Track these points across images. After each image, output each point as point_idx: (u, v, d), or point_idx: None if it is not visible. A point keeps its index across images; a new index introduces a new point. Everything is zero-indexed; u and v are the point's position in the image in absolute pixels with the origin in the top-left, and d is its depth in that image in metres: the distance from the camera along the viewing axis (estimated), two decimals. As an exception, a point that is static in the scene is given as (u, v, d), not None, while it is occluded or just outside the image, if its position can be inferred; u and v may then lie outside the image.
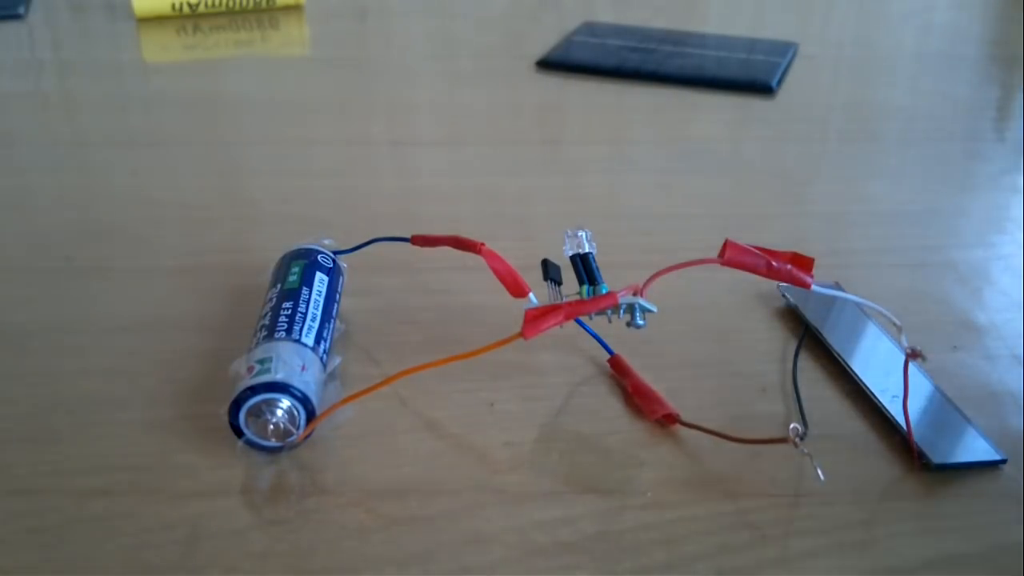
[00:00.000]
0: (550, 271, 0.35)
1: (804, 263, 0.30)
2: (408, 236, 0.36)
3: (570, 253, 0.34)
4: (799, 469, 0.30)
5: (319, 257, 0.36)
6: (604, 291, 0.32)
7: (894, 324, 0.30)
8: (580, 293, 0.32)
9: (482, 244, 0.32)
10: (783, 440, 0.29)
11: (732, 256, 0.30)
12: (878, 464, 0.30)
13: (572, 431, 0.32)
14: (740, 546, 0.27)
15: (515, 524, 0.28)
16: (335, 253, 0.37)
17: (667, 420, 0.31)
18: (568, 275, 0.34)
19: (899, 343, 0.30)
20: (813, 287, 0.30)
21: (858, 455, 0.31)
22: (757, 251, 0.30)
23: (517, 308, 0.31)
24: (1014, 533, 0.28)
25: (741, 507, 0.28)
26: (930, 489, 0.30)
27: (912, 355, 0.29)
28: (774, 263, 0.30)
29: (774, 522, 0.28)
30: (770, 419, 0.32)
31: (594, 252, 0.34)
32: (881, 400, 0.32)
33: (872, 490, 0.29)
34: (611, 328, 0.33)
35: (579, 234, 0.35)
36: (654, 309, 0.31)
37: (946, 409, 0.32)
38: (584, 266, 0.33)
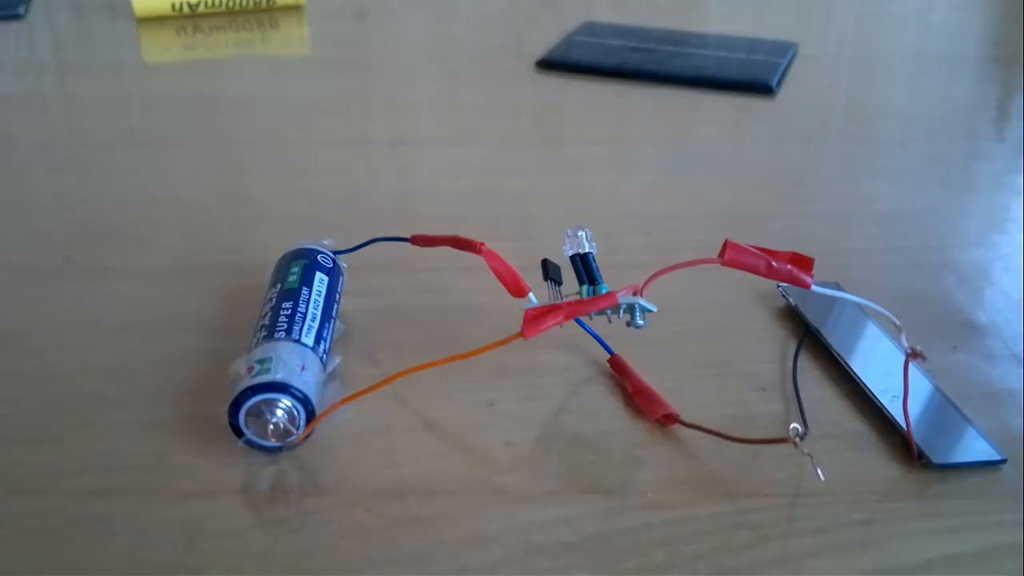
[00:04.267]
0: (550, 271, 0.35)
1: (804, 263, 0.30)
2: (408, 236, 0.36)
3: (570, 253, 0.34)
4: (799, 469, 0.30)
5: (319, 257, 0.36)
6: (604, 291, 0.32)
7: (894, 324, 0.30)
8: (580, 293, 0.32)
9: (482, 244, 0.32)
10: (783, 440, 0.29)
11: (732, 256, 0.30)
12: (878, 464, 0.30)
13: (572, 431, 0.32)
14: (740, 546, 0.27)
15: (515, 524, 0.28)
16: (335, 253, 0.37)
17: (667, 420, 0.31)
18: (568, 275, 0.34)
19: (899, 343, 0.30)
20: (813, 287, 0.30)
21: (858, 455, 0.31)
22: (757, 251, 0.30)
23: (517, 308, 0.31)
24: (1014, 533, 0.28)
25: (741, 507, 0.28)
26: (930, 489, 0.29)
27: (912, 355, 0.29)
28: (774, 263, 0.30)
29: (774, 522, 0.28)
30: (770, 419, 0.32)
31: (594, 252, 0.34)
32: (881, 400, 0.32)
33: (872, 490, 0.29)
34: (611, 328, 0.33)
35: (579, 234, 0.35)
36: (654, 309, 0.31)
37: (946, 409, 0.32)
38: (584, 266, 0.33)
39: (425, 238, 0.35)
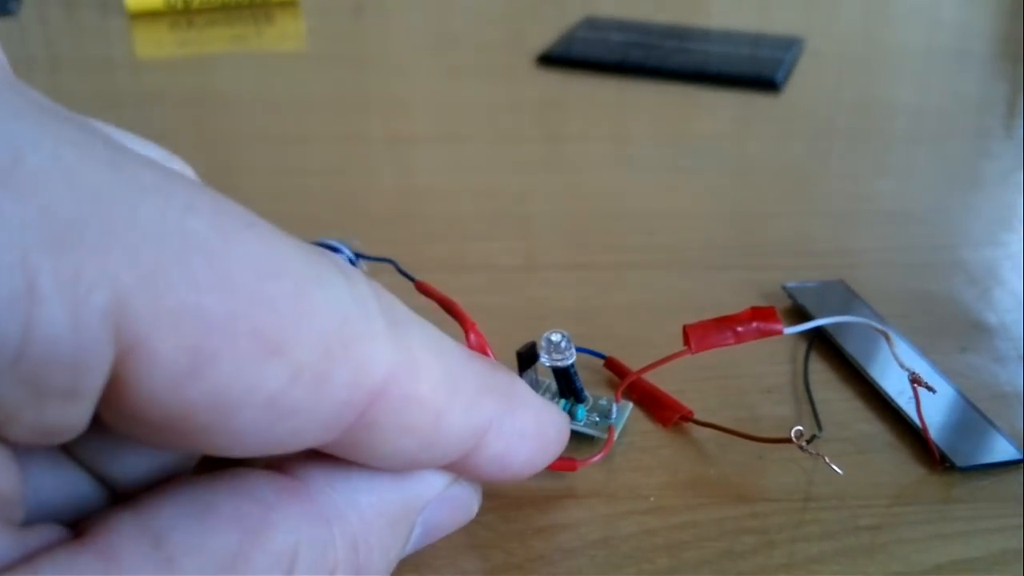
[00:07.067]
0: (524, 362, 0.32)
1: (766, 314, 0.29)
2: (415, 277, 0.33)
3: (548, 364, 0.31)
4: (807, 473, 0.29)
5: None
6: (582, 408, 0.30)
7: (879, 331, 0.29)
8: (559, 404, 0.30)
9: (473, 325, 0.30)
10: (793, 441, 0.28)
11: (698, 341, 0.29)
12: (886, 468, 0.30)
13: (572, 432, 0.31)
14: (745, 551, 0.26)
15: (515, 528, 0.27)
16: (356, 255, 0.36)
17: (683, 421, 0.31)
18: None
19: (892, 351, 0.29)
20: (785, 330, 0.29)
21: (867, 459, 0.30)
22: (717, 323, 0.29)
23: (518, 308, 0.30)
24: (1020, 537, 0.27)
25: (747, 512, 0.28)
26: (940, 493, 0.29)
27: (914, 381, 0.29)
28: (739, 328, 0.29)
29: (780, 527, 0.27)
30: (776, 422, 0.32)
31: (573, 360, 0.31)
32: (898, 402, 0.31)
33: (881, 494, 0.29)
34: (611, 328, 0.32)
35: (560, 343, 0.31)
36: (626, 413, 0.30)
37: (964, 410, 0.32)
38: (564, 379, 0.31)
39: (428, 289, 0.32)
